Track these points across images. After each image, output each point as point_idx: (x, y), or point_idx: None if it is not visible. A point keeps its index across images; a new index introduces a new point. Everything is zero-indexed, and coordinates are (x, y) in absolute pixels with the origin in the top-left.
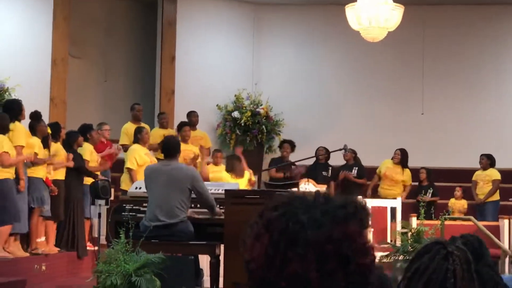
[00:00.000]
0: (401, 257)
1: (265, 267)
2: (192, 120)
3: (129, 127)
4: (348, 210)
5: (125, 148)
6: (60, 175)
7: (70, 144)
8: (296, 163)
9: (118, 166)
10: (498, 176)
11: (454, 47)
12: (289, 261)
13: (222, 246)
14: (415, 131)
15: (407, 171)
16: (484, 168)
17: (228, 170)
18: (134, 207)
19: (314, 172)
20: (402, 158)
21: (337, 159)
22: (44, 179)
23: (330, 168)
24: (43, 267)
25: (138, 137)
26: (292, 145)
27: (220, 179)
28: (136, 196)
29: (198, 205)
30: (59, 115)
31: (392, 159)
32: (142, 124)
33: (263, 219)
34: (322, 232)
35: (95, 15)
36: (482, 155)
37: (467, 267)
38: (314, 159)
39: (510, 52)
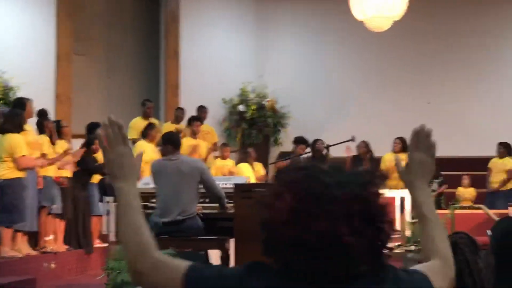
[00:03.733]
0: (412, 247)
1: (288, 224)
2: (201, 116)
3: (138, 122)
4: (365, 176)
5: (133, 142)
6: (68, 173)
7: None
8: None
9: None
10: None
11: (460, 35)
12: (317, 218)
13: (232, 241)
14: (421, 120)
15: None
16: (501, 156)
17: (237, 162)
18: (142, 203)
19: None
20: (403, 146)
21: (342, 151)
22: (54, 178)
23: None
24: (52, 265)
25: (148, 133)
26: (307, 146)
27: (227, 173)
28: (144, 192)
29: (207, 200)
30: (65, 112)
31: (392, 150)
32: (153, 120)
33: (283, 179)
34: (347, 191)
35: (98, 11)
36: (499, 143)
37: (475, 248)
38: (311, 152)
39: None
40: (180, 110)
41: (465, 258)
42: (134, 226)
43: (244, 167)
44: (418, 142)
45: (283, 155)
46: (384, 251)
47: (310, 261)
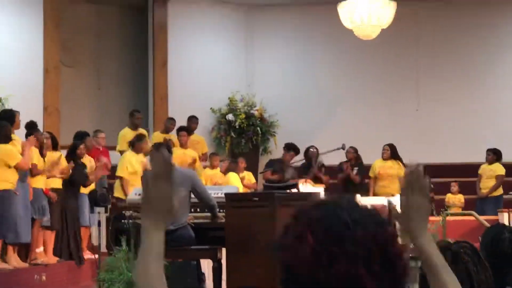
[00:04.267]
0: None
1: (313, 267)
2: (191, 126)
3: (128, 133)
4: (381, 216)
5: (121, 152)
6: (57, 183)
7: (74, 154)
8: (292, 165)
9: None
10: (502, 171)
11: (448, 42)
12: (337, 259)
13: (223, 250)
14: (410, 127)
15: (400, 163)
16: (490, 162)
17: (226, 171)
18: (133, 214)
19: (306, 172)
20: (392, 152)
21: (332, 159)
22: (44, 189)
23: (323, 168)
24: (43, 277)
25: (136, 144)
26: (297, 153)
27: (217, 183)
28: (136, 203)
29: (198, 209)
30: (53, 124)
31: (382, 157)
32: (141, 131)
33: (303, 220)
34: (368, 232)
35: (85, 22)
36: (488, 149)
37: (478, 258)
38: (304, 159)
39: (504, 45)
40: (171, 120)
41: (466, 268)
42: (150, 273)
43: (232, 176)
44: (412, 185)
45: (270, 163)
46: None
47: None
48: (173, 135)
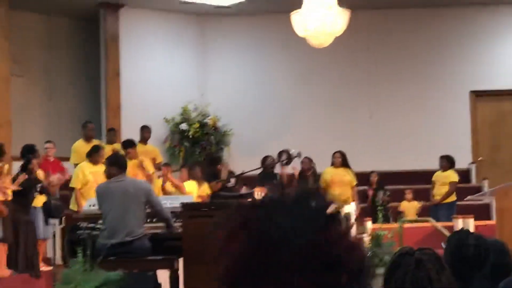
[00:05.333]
0: None
1: (242, 270)
2: (144, 135)
3: (81, 146)
4: (326, 214)
5: (75, 165)
6: (7, 195)
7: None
8: (245, 174)
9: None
10: (455, 178)
11: (400, 50)
12: (272, 267)
13: (180, 260)
14: (364, 135)
15: (351, 170)
16: (444, 169)
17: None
18: (89, 225)
19: (263, 181)
20: (343, 159)
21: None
22: None
23: (278, 176)
24: None
25: (92, 155)
26: (219, 162)
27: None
28: (91, 214)
29: (154, 219)
30: (4, 135)
31: (332, 164)
32: (95, 142)
33: (237, 219)
34: (306, 239)
35: (36, 32)
36: (441, 156)
37: (440, 265)
38: (261, 168)
39: (454, 53)
40: (112, 131)
41: (428, 275)
42: None
43: (191, 184)
44: None
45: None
46: None
47: None
48: (119, 145)
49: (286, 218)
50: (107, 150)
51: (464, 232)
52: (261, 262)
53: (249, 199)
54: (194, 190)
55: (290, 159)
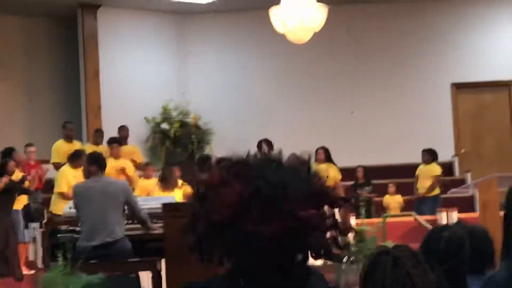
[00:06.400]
0: (345, 259)
1: (240, 218)
2: (122, 134)
3: (61, 145)
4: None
5: (56, 166)
6: None
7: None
8: None
9: (50, 187)
10: (438, 171)
11: (379, 44)
12: (274, 218)
13: (163, 261)
14: (346, 130)
15: (335, 166)
16: (426, 163)
17: (161, 179)
18: (69, 228)
19: None
20: (327, 155)
21: None
22: None
23: None
24: None
25: (75, 160)
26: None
27: (151, 193)
28: (72, 217)
29: (135, 221)
30: None
31: (316, 160)
32: (75, 143)
33: (227, 169)
34: (300, 189)
35: (13, 34)
36: (423, 150)
37: (416, 260)
38: None
39: (434, 45)
40: (99, 132)
41: (407, 272)
42: None
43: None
44: None
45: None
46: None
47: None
48: (105, 146)
49: (275, 175)
50: (92, 150)
51: (440, 226)
52: (261, 214)
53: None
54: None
55: (270, 145)
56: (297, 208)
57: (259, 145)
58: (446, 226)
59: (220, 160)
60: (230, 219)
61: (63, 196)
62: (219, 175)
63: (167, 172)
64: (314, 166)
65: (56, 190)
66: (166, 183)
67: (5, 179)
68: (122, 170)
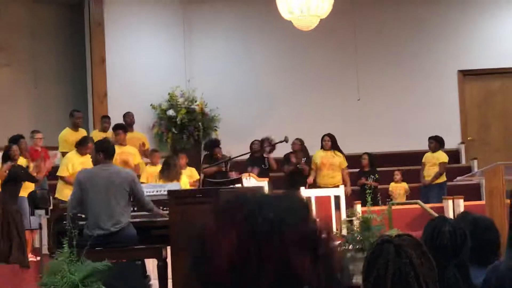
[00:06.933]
0: (350, 247)
1: (238, 264)
2: (127, 121)
3: (68, 134)
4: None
5: (63, 154)
6: None
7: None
8: (234, 159)
9: (56, 173)
10: (445, 159)
11: (387, 31)
12: (268, 256)
13: (168, 248)
14: (352, 117)
15: (341, 153)
16: (433, 150)
17: (162, 170)
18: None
19: (252, 166)
20: (333, 142)
21: (276, 151)
22: None
23: (267, 159)
24: None
25: (79, 147)
26: (217, 146)
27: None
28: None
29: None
30: None
31: (322, 147)
32: (82, 131)
33: (223, 216)
34: (294, 226)
35: (20, 20)
36: (430, 137)
37: (420, 250)
38: (249, 153)
39: (441, 33)
40: (106, 118)
41: (411, 261)
42: None
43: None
44: None
45: (205, 158)
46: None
47: None
48: (110, 133)
49: (271, 212)
50: (99, 137)
51: (441, 219)
52: (257, 254)
53: (239, 184)
54: (185, 178)
55: (272, 146)
56: (292, 253)
57: (262, 143)
58: (446, 219)
59: (219, 211)
60: (229, 269)
61: (63, 180)
62: (214, 224)
63: (171, 161)
64: (321, 153)
65: (57, 173)
66: (168, 173)
67: (7, 166)
68: (126, 163)
